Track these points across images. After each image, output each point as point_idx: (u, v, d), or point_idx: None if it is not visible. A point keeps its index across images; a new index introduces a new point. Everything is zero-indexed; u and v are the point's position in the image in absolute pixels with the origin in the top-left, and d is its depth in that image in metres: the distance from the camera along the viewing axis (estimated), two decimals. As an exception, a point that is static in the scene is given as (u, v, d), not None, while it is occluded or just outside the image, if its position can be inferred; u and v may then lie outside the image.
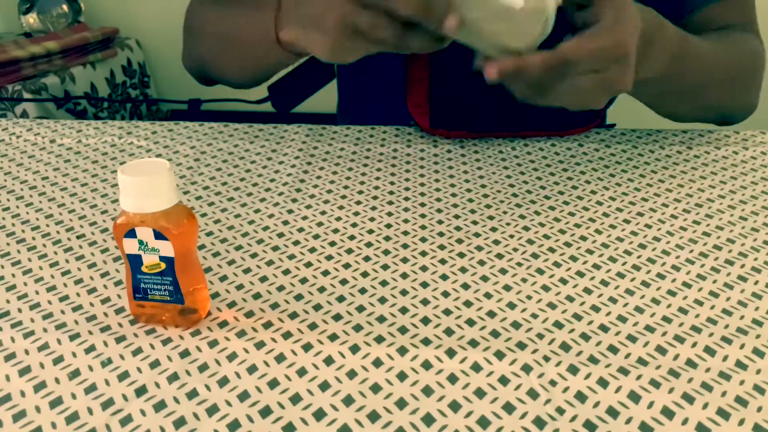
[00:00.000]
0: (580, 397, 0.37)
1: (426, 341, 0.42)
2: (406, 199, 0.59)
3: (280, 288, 0.47)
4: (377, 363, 0.40)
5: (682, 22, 0.74)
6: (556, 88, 0.48)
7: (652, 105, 0.68)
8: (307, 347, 0.41)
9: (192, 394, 0.38)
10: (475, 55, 0.69)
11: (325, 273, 0.49)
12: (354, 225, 0.55)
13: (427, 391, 0.38)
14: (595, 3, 0.49)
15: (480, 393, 0.38)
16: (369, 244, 0.52)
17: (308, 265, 0.50)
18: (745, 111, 0.73)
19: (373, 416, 0.36)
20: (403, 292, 0.46)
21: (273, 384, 0.38)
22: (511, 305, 0.45)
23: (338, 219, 0.56)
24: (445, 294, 0.46)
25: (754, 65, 0.71)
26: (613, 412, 0.36)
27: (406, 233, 0.54)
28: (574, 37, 0.47)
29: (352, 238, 0.53)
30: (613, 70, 0.48)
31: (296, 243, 0.52)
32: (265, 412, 0.36)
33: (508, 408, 0.37)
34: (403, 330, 0.43)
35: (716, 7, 0.71)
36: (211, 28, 0.71)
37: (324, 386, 0.38)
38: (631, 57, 0.49)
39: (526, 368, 0.39)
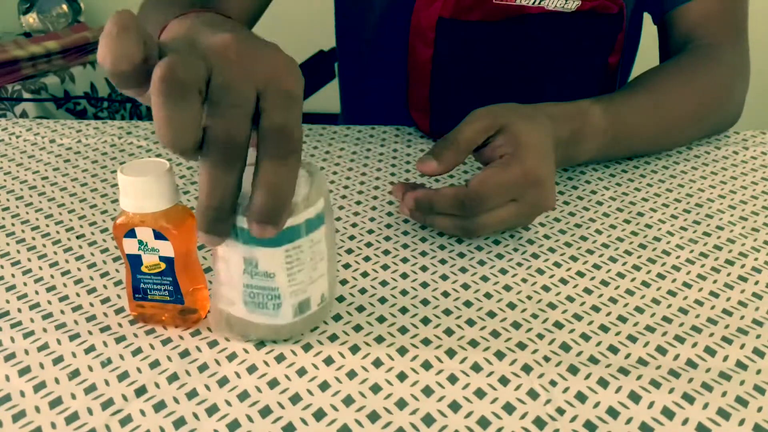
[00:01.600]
0: (580, 397, 0.37)
1: (426, 341, 0.42)
2: (406, 199, 0.59)
3: (280, 288, 0.47)
4: (377, 363, 0.40)
5: (662, 21, 0.75)
6: (479, 221, 0.49)
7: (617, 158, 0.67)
8: (307, 347, 0.41)
9: (192, 394, 0.37)
10: (475, 60, 0.68)
11: (325, 273, 0.49)
12: (354, 225, 0.55)
13: (427, 391, 0.38)
14: (493, 139, 0.50)
15: (480, 393, 0.38)
16: (369, 244, 0.52)
17: (308, 265, 0.50)
18: (728, 124, 0.72)
19: (373, 416, 0.36)
20: (403, 293, 0.46)
21: (273, 384, 0.38)
22: (511, 305, 0.45)
23: (338, 219, 0.56)
24: (445, 294, 0.46)
25: (721, 93, 0.69)
26: (613, 413, 0.36)
27: (406, 233, 0.54)
28: (480, 171, 0.48)
29: (352, 238, 0.53)
30: (531, 194, 0.49)
31: (296, 243, 0.52)
32: (265, 412, 0.36)
33: (508, 408, 0.37)
34: (403, 330, 0.43)
35: (694, 5, 0.71)
36: None
37: (324, 386, 0.38)
38: (545, 179, 0.49)
39: (526, 368, 0.39)
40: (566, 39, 0.68)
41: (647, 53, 0.85)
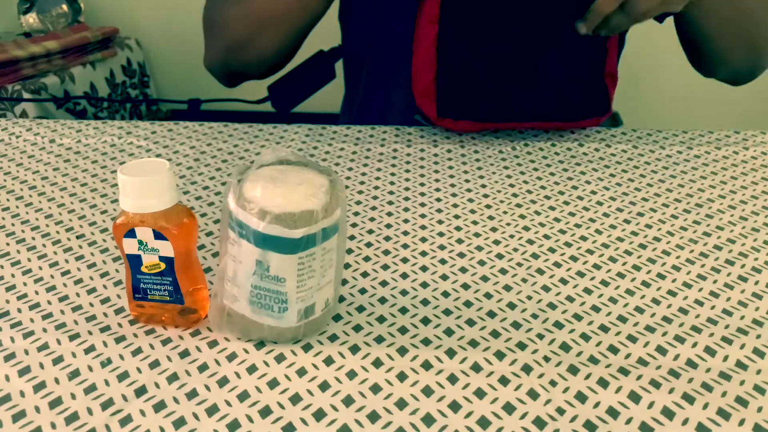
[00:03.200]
0: (580, 397, 0.37)
1: (426, 341, 0.42)
2: (406, 199, 0.59)
3: (280, 288, 0.47)
4: (377, 363, 0.40)
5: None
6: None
7: (715, 32, 0.70)
8: (307, 347, 0.41)
9: (192, 394, 0.37)
10: (480, 33, 0.66)
11: (325, 273, 0.49)
12: (354, 225, 0.55)
13: (427, 391, 0.38)
14: None
15: (480, 393, 0.38)
16: (369, 244, 0.52)
17: (308, 265, 0.50)
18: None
19: (373, 416, 0.36)
20: (403, 293, 0.46)
21: (273, 384, 0.38)
22: (512, 305, 0.45)
23: (338, 219, 0.56)
24: (445, 294, 0.46)
25: None
26: (613, 413, 0.36)
27: (406, 233, 0.54)
28: None
29: (352, 238, 0.53)
30: None
31: (296, 243, 0.52)
32: (265, 412, 0.36)
33: (508, 408, 0.37)
34: (403, 330, 0.43)
35: None
36: (240, 7, 0.71)
37: (324, 386, 0.38)
38: None
39: (527, 368, 0.39)
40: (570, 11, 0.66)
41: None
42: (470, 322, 0.43)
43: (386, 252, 0.51)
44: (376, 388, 0.38)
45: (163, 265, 0.40)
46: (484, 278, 0.48)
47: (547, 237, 0.53)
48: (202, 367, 0.39)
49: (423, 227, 0.55)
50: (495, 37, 0.68)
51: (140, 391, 0.38)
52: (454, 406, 0.37)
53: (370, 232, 0.54)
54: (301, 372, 0.39)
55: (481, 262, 0.50)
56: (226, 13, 0.73)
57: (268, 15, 0.70)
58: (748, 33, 0.72)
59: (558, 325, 0.43)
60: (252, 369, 0.39)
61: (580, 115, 0.72)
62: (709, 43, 0.72)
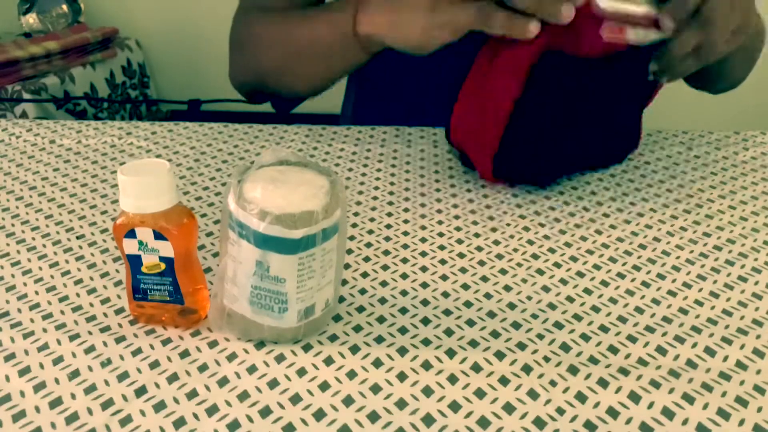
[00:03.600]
0: (580, 397, 0.37)
1: (426, 341, 0.42)
2: (406, 199, 0.59)
3: (280, 288, 0.47)
4: (377, 363, 0.40)
5: None
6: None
7: (732, 65, 0.69)
8: (307, 347, 0.41)
9: (192, 395, 0.37)
10: (564, 100, 0.59)
11: (325, 273, 0.49)
12: (354, 225, 0.55)
13: (427, 391, 0.38)
14: None
15: (480, 393, 0.38)
16: (369, 245, 0.52)
17: (308, 265, 0.50)
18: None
19: (373, 416, 0.36)
20: (403, 293, 0.46)
21: (273, 384, 0.38)
22: (511, 306, 0.45)
23: (338, 219, 0.56)
24: (445, 294, 0.46)
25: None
26: (613, 413, 0.36)
27: (406, 233, 0.54)
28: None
29: (352, 238, 0.53)
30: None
31: (296, 243, 0.52)
32: (265, 412, 0.36)
33: (508, 408, 0.37)
34: (403, 330, 0.43)
35: None
36: (277, 39, 0.69)
37: (324, 386, 0.38)
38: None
39: (526, 369, 0.39)
40: (642, 71, 0.58)
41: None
42: (470, 323, 0.43)
43: (386, 252, 0.51)
44: (376, 388, 0.38)
45: (163, 266, 0.40)
46: (484, 278, 0.48)
47: (547, 237, 0.53)
48: (202, 367, 0.39)
49: (423, 227, 0.55)
50: (577, 103, 0.59)
51: (140, 391, 0.38)
52: (454, 406, 0.37)
53: (370, 232, 0.54)
54: (301, 372, 0.39)
55: (481, 263, 0.50)
56: (262, 35, 0.71)
57: (303, 49, 0.67)
58: (756, 51, 0.71)
59: (558, 325, 0.43)
60: (252, 369, 0.39)
61: (616, 156, 0.67)
62: (724, 63, 0.65)
